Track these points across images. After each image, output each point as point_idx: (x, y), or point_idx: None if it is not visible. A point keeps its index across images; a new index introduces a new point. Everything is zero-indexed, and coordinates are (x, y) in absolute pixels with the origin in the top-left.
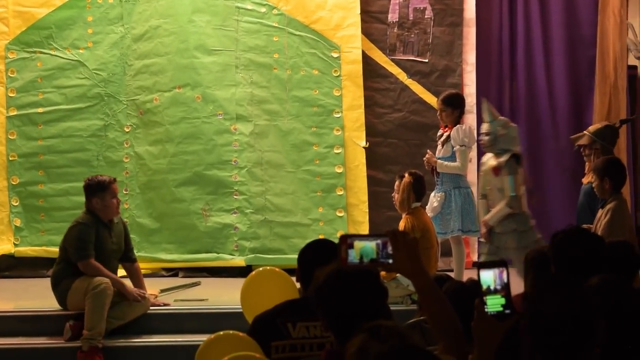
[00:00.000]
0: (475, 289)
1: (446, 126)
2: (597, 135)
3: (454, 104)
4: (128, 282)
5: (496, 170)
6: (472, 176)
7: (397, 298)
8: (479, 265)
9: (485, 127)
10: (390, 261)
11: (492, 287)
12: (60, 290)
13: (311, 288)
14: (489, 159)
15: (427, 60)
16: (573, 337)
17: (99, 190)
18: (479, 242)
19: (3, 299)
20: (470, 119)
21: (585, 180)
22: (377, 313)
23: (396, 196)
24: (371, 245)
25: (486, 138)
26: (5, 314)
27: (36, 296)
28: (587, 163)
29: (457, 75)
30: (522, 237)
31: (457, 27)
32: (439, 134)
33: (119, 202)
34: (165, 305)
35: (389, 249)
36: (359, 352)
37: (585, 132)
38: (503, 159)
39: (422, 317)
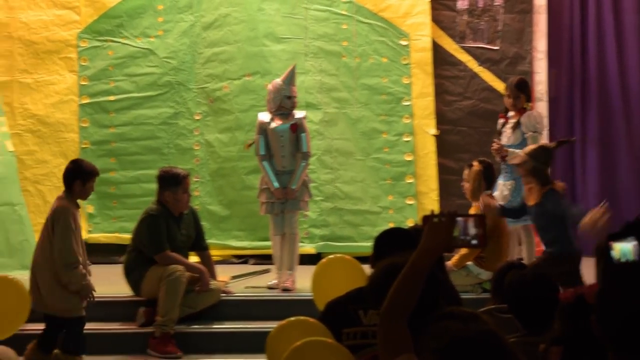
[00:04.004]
0: (537, 281)
1: (506, 113)
2: (531, 155)
3: (526, 90)
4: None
5: (294, 127)
6: None
7: (466, 286)
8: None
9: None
10: (475, 242)
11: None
12: (133, 278)
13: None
14: None
15: (497, 48)
16: None
17: (172, 184)
18: None
19: None
20: (541, 106)
21: None
22: (433, 304)
23: (466, 185)
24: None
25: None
26: None
27: (108, 282)
28: None
29: (528, 62)
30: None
31: (527, 14)
32: (501, 121)
33: (190, 196)
34: (229, 293)
35: (470, 229)
36: (439, 332)
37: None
38: (299, 115)
39: (493, 306)
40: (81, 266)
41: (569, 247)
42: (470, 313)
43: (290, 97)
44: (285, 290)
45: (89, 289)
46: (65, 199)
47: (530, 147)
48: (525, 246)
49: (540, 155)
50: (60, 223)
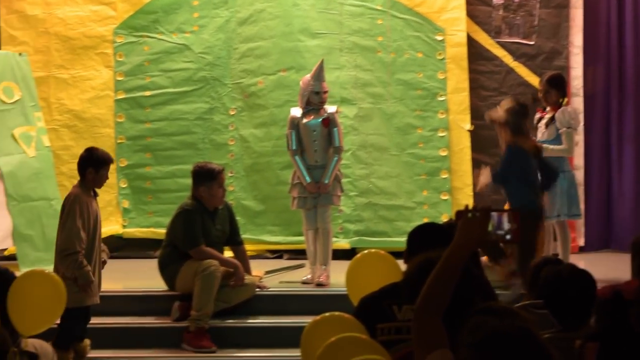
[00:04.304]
0: (573, 277)
1: (544, 109)
2: (508, 110)
3: (559, 86)
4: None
5: (326, 121)
6: (579, 160)
7: (502, 282)
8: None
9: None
10: (509, 237)
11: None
12: (168, 273)
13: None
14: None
15: (533, 43)
16: None
17: (207, 179)
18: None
19: (112, 279)
20: (577, 102)
21: None
22: (468, 299)
23: None
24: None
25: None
26: (114, 293)
27: (144, 277)
28: None
29: (564, 57)
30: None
31: (563, 9)
32: (537, 116)
33: (225, 191)
34: (264, 288)
35: (504, 223)
36: (474, 327)
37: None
38: (330, 110)
39: (529, 302)
40: (80, 255)
41: (527, 203)
42: (507, 308)
43: (319, 93)
44: (320, 285)
45: (86, 279)
46: (79, 187)
47: (509, 101)
48: (561, 242)
49: (517, 109)
50: (66, 210)
